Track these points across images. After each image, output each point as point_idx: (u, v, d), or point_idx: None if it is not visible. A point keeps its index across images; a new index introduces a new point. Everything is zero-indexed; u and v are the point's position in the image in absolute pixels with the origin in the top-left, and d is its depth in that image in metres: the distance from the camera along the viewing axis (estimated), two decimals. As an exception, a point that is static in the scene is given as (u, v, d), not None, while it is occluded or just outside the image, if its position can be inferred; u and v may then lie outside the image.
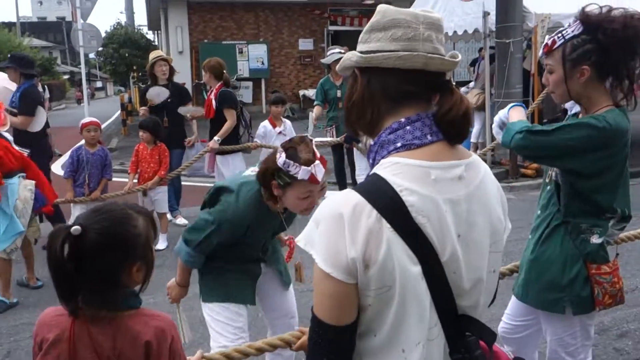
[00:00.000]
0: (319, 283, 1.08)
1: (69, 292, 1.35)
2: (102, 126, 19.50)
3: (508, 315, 2.41)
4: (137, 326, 1.39)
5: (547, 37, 2.06)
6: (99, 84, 50.48)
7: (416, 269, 1.06)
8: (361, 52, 1.17)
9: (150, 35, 24.72)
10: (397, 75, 1.14)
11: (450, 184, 1.11)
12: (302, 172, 2.07)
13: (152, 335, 1.39)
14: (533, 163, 7.53)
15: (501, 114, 2.23)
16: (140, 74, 16.88)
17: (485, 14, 7.60)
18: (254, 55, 16.40)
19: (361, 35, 1.20)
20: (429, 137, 1.13)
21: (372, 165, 1.17)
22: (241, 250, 2.44)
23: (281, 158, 2.11)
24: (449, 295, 1.11)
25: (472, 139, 8.79)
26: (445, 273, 1.09)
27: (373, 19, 1.18)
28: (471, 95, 8.65)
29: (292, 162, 2.08)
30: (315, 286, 1.10)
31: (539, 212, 2.20)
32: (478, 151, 8.68)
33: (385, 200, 1.05)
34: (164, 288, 2.61)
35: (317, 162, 2.09)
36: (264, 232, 2.45)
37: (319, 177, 2.09)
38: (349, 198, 1.07)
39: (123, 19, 24.07)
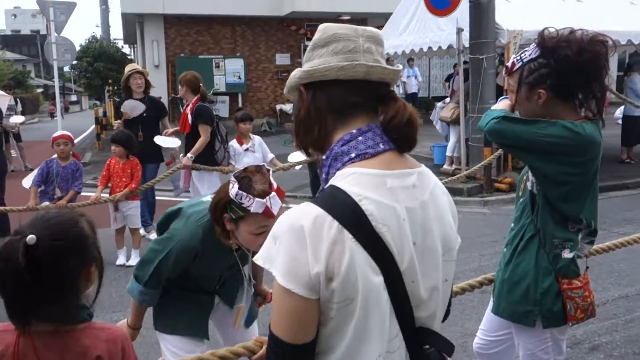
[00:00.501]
0: (279, 300, 1.06)
1: (23, 307, 1.31)
2: (76, 140, 19.22)
3: (482, 331, 2.40)
4: (87, 340, 1.35)
5: (512, 56, 2.09)
6: (73, 98, 49.91)
7: (378, 279, 1.06)
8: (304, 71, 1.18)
9: (126, 49, 24.56)
10: (341, 87, 1.15)
11: (406, 192, 1.12)
12: (255, 205, 1.90)
13: (103, 349, 1.35)
14: (507, 178, 7.62)
15: (494, 107, 2.25)
16: (115, 87, 16.72)
17: (459, 31, 7.71)
18: (230, 70, 16.39)
19: (305, 55, 1.22)
20: (381, 145, 1.14)
21: (326, 180, 1.16)
22: (193, 282, 2.30)
23: (233, 189, 1.94)
24: (408, 305, 1.11)
25: (448, 153, 8.88)
26: (404, 282, 1.09)
27: (315, 37, 1.20)
28: (447, 109, 8.76)
29: (245, 193, 1.91)
30: (274, 303, 1.08)
31: (512, 224, 2.21)
32: (453, 165, 8.78)
33: (346, 211, 1.05)
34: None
35: (273, 193, 1.93)
36: (217, 266, 2.27)
37: (275, 210, 1.92)
38: (309, 210, 1.06)
39: (98, 33, 23.85)
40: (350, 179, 1.09)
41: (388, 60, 8.08)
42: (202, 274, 2.27)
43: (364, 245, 1.04)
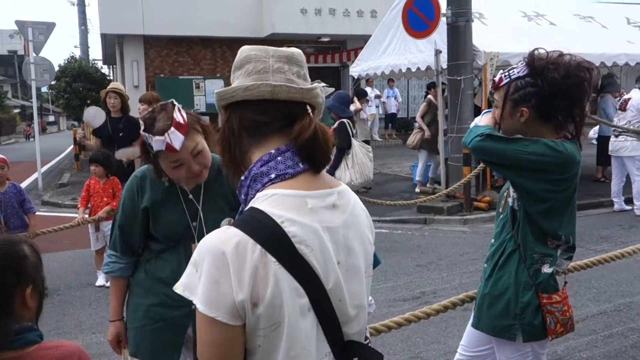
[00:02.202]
0: (204, 331, 1.03)
1: None
2: (54, 161, 19.03)
3: (463, 347, 2.41)
4: None
5: (499, 72, 2.14)
6: (51, 118, 49.35)
7: (304, 301, 1.05)
8: None
9: (105, 70, 24.44)
10: (250, 107, 1.16)
11: (327, 212, 1.12)
12: (155, 144, 1.92)
13: None
14: (486, 196, 7.71)
15: (477, 120, 2.28)
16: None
17: (437, 52, 7.84)
18: (210, 90, 16.37)
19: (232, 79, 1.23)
20: (300, 165, 1.14)
21: (245, 201, 1.15)
22: (158, 268, 2.12)
23: (142, 131, 1.99)
24: (336, 324, 1.11)
25: (417, 177, 8.96)
26: (331, 302, 1.09)
27: (235, 60, 1.22)
28: (411, 136, 8.97)
29: (147, 134, 1.95)
30: (198, 335, 1.05)
31: (493, 240, 2.24)
32: (428, 185, 8.88)
33: (268, 234, 1.03)
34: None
35: (172, 129, 1.91)
36: (172, 218, 2.10)
37: (177, 144, 1.91)
38: (230, 235, 1.03)
39: (77, 53, 23.75)
40: (271, 201, 1.08)
41: (368, 82, 8.18)
42: (161, 236, 2.13)
43: (287, 268, 1.02)
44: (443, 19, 7.73)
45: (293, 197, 1.09)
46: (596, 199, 8.14)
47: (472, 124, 2.33)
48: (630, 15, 10.41)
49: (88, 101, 17.18)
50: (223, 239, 1.03)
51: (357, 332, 1.17)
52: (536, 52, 1.97)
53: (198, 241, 1.96)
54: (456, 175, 7.87)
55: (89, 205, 5.26)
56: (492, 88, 2.10)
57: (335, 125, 5.93)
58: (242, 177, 1.17)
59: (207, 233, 1.98)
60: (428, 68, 8.69)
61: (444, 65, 8.04)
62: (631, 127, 7.47)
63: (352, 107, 9.46)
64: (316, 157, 1.15)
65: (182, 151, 1.94)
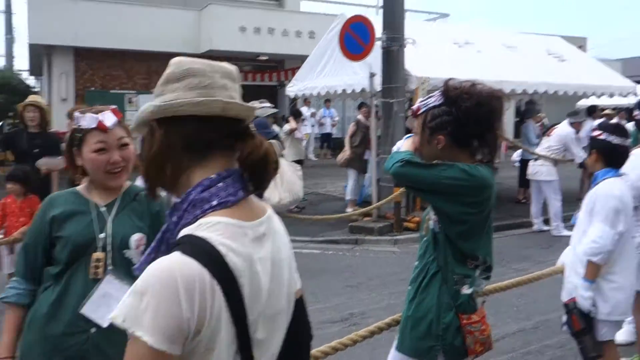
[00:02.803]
0: None
1: None
2: (-30, 175, 17.51)
3: (387, 370, 2.45)
4: None
5: (419, 100, 2.23)
6: (-30, 130, 46.63)
7: (233, 330, 1.04)
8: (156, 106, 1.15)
9: (31, 81, 23.44)
10: (196, 123, 1.11)
11: (260, 242, 1.12)
12: (88, 119, 1.97)
13: None
14: (415, 217, 7.90)
15: (399, 143, 2.36)
16: (16, 120, 15.84)
17: (372, 75, 8.03)
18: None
19: (155, 89, 1.18)
20: (240, 192, 1.12)
21: (177, 224, 1.12)
22: (56, 293, 1.94)
23: (75, 114, 2.05)
24: (251, 352, 1.09)
25: (347, 196, 9.09)
26: (251, 331, 1.08)
27: (167, 71, 1.17)
28: (341, 153, 9.12)
29: (80, 115, 2.00)
30: None
31: (417, 262, 2.30)
32: (355, 207, 9.01)
33: (216, 263, 1.01)
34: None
35: (107, 110, 2.01)
36: (78, 228, 1.97)
37: (108, 123, 1.97)
38: (180, 262, 0.99)
39: (1, 63, 22.69)
40: (216, 229, 1.05)
41: (305, 101, 8.25)
42: (66, 244, 1.97)
43: (228, 297, 1.01)
44: (378, 43, 7.95)
45: (236, 227, 1.07)
46: (518, 220, 8.52)
47: (394, 148, 2.41)
48: (550, 47, 11.06)
49: (10, 114, 16.39)
50: (173, 266, 0.98)
51: (270, 357, 1.17)
52: (450, 82, 2.08)
53: (104, 254, 1.94)
54: (387, 196, 8.03)
55: (4, 226, 4.95)
56: (412, 116, 2.18)
57: None
58: (178, 200, 1.13)
59: (114, 247, 1.97)
60: (363, 90, 8.87)
61: (378, 88, 8.24)
62: (548, 154, 7.91)
63: (287, 127, 9.55)
64: (262, 177, 1.15)
65: (110, 134, 1.96)
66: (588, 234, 3.01)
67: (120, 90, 15.91)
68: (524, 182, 9.75)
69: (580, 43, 26.45)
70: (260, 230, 1.13)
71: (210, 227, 1.05)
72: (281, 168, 5.90)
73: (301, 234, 7.53)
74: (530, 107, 10.35)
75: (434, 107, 2.07)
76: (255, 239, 1.11)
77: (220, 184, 1.11)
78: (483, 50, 9.76)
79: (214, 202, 1.09)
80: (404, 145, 2.27)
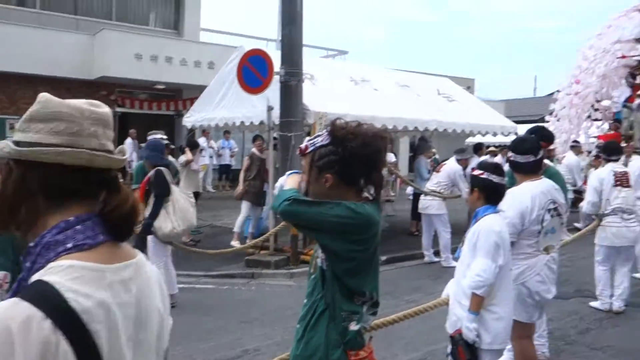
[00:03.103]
0: None
1: None
2: None
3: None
4: None
5: (305, 139, 2.24)
6: None
7: None
8: (17, 142, 1.08)
9: None
10: (58, 171, 1.06)
11: (122, 286, 1.07)
12: None
13: None
14: (312, 250, 7.93)
15: (281, 180, 2.35)
16: None
17: (270, 109, 8.07)
18: (29, 132, 15.04)
19: (19, 124, 1.12)
20: (101, 236, 1.08)
21: (30, 269, 1.05)
22: None
23: None
24: None
25: (235, 229, 8.99)
26: None
27: (33, 108, 1.11)
28: (238, 186, 9.09)
29: None
30: None
31: (305, 300, 2.28)
32: (247, 240, 8.93)
33: (59, 309, 0.94)
34: None
35: None
36: None
37: None
38: (17, 308, 0.93)
39: None
40: (67, 273, 0.99)
41: (204, 132, 8.07)
42: None
43: (75, 346, 0.94)
44: (276, 77, 8.02)
45: (91, 270, 1.01)
46: (410, 252, 8.80)
47: (277, 185, 2.41)
48: (440, 87, 11.75)
49: None
50: (9, 314, 0.91)
51: None
52: (337, 122, 2.12)
53: None
54: (284, 229, 8.02)
55: None
56: (300, 154, 2.19)
57: (152, 173, 5.74)
58: (31, 244, 1.05)
59: None
60: (261, 123, 8.89)
61: (277, 121, 8.29)
62: (437, 189, 8.31)
63: (182, 158, 9.32)
64: (127, 229, 1.09)
65: None
66: (472, 267, 3.15)
67: (1, 115, 14.83)
68: (417, 215, 10.14)
69: (468, 84, 28.41)
70: (124, 274, 1.07)
71: (62, 271, 0.99)
72: (173, 196, 5.73)
73: (195, 268, 7.31)
74: (422, 144, 10.85)
75: (322, 146, 2.10)
76: (117, 283, 1.05)
77: (79, 227, 1.05)
78: (379, 88, 10.16)
79: (69, 245, 1.03)
80: (287, 182, 2.28)
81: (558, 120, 14.73)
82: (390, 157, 17.04)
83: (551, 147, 12.41)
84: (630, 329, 5.63)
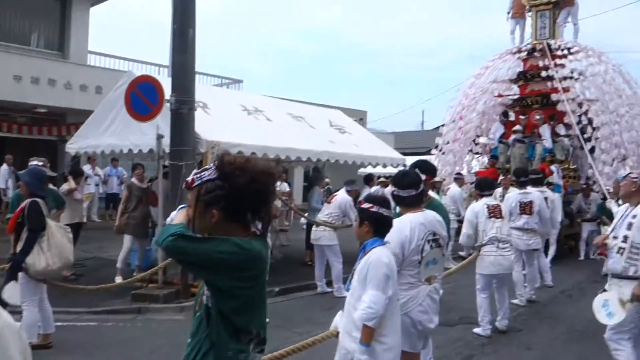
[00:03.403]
0: None
1: None
2: None
3: None
4: None
5: (192, 173, 2.17)
6: None
7: None
8: None
9: None
10: None
11: None
12: None
13: None
14: (204, 282, 7.70)
15: (173, 214, 2.24)
16: None
17: (159, 137, 7.81)
18: None
19: None
20: None
21: None
22: None
23: None
24: None
25: (118, 264, 8.60)
26: None
27: None
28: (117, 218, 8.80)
29: None
30: None
31: (189, 339, 2.18)
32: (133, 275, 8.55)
33: None
34: None
35: None
36: None
37: None
38: None
39: None
40: None
41: (89, 159, 7.64)
42: None
43: None
44: (167, 105, 7.80)
45: None
46: (303, 282, 8.80)
47: (168, 220, 2.31)
48: (332, 118, 12.05)
49: None
50: None
51: None
52: (225, 157, 2.08)
53: None
54: (174, 261, 7.73)
55: None
56: (186, 188, 2.12)
57: (26, 203, 5.23)
58: None
59: None
60: (151, 151, 8.58)
61: (167, 150, 8.04)
62: (329, 220, 8.43)
63: (65, 186, 8.75)
64: None
65: None
66: (363, 299, 3.19)
67: None
68: (310, 245, 10.20)
69: (361, 116, 29.43)
70: None
71: None
72: (49, 230, 5.31)
73: (76, 304, 6.81)
74: (315, 175, 11.01)
75: (208, 180, 2.04)
76: None
77: None
78: (272, 118, 10.21)
79: None
80: (177, 217, 2.20)
81: (443, 154, 15.61)
82: (284, 187, 17.16)
83: (437, 179, 13.15)
84: (509, 352, 5.97)
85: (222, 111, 9.34)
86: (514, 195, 8.26)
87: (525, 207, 7.99)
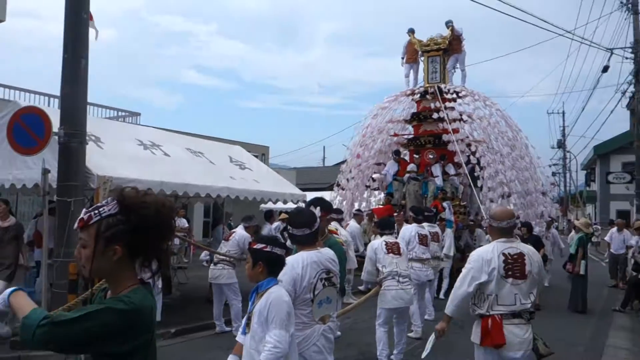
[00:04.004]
0: None
1: None
2: None
3: None
4: None
5: (83, 210, 2.03)
6: None
7: None
8: None
9: None
10: None
11: None
12: None
13: None
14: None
15: (2, 297, 1.97)
16: None
17: (46, 171, 7.34)
18: None
19: None
20: None
21: None
22: None
23: None
24: None
25: None
26: None
27: None
28: None
29: None
30: None
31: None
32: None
33: None
34: None
35: None
36: None
37: None
38: None
39: None
40: None
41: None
42: None
43: None
44: (55, 137, 7.38)
45: None
46: (201, 322, 8.53)
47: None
48: (232, 154, 11.98)
49: None
50: None
51: None
52: (126, 190, 1.99)
53: None
54: (61, 303, 7.20)
55: None
56: (79, 227, 1.96)
57: None
58: None
59: None
60: (36, 186, 8.04)
61: (54, 185, 7.57)
62: (229, 255, 8.26)
63: None
64: None
65: None
66: (268, 340, 3.13)
67: None
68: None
69: (263, 151, 29.54)
70: None
71: None
72: None
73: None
74: (219, 214, 10.83)
75: (109, 216, 1.92)
76: None
77: None
78: (170, 153, 9.97)
79: None
80: (20, 303, 1.92)
81: (343, 190, 15.97)
82: (183, 222, 16.72)
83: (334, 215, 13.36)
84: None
85: (116, 145, 8.98)
86: (412, 227, 8.64)
87: (423, 239, 8.43)
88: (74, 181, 7.42)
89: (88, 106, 8.15)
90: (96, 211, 1.97)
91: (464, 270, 4.31)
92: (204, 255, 16.89)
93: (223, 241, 8.74)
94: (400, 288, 6.52)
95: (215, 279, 8.24)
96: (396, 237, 7.54)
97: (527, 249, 4.29)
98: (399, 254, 6.70)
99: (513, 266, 4.13)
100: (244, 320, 3.40)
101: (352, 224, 11.77)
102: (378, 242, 6.78)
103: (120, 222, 1.93)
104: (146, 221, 1.94)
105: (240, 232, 8.57)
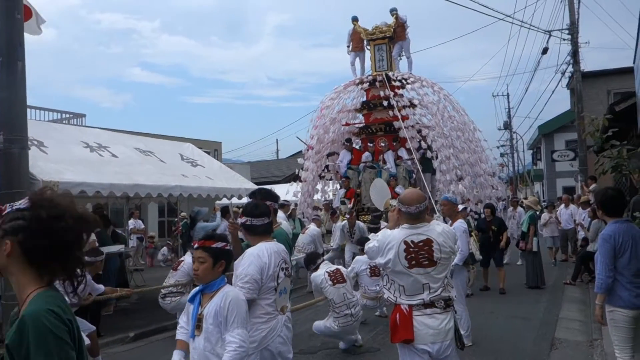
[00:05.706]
0: None
1: None
2: None
3: None
4: None
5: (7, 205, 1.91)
6: None
7: None
8: None
9: None
10: None
11: None
12: None
13: None
14: None
15: None
16: None
17: (-13, 180, 7.05)
18: None
19: None
20: None
21: None
22: None
23: None
24: None
25: None
26: None
27: None
28: None
29: None
30: None
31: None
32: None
33: None
34: None
35: None
36: None
37: None
38: None
39: None
40: None
41: None
42: None
43: None
44: (-5, 144, 7.08)
45: None
46: (160, 324, 8.35)
47: None
48: (183, 152, 11.78)
49: None
50: None
51: None
52: (45, 189, 1.87)
53: None
54: (7, 316, 6.96)
55: None
56: None
57: None
58: None
59: None
60: (-24, 195, 7.71)
61: (-3, 194, 7.27)
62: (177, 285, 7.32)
63: None
64: None
65: None
66: (231, 340, 3.06)
67: None
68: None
69: (216, 147, 29.18)
70: None
71: None
72: None
73: None
74: (195, 214, 10.81)
75: (18, 210, 1.78)
76: None
77: None
78: (118, 154, 9.73)
79: None
80: None
81: (299, 182, 15.99)
82: (139, 224, 16.38)
83: (293, 207, 13.42)
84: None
85: (60, 149, 8.70)
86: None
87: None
88: (17, 188, 7.13)
89: (28, 110, 7.85)
90: (13, 204, 1.84)
91: (375, 242, 3.88)
92: (161, 256, 16.62)
93: (171, 271, 7.66)
94: (354, 320, 6.49)
95: (170, 311, 7.56)
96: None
97: (436, 233, 3.76)
98: (343, 281, 6.60)
99: (417, 254, 3.68)
100: (191, 323, 3.25)
101: (312, 227, 11.60)
102: (320, 274, 6.61)
103: (22, 217, 1.77)
104: (44, 222, 1.75)
105: (188, 260, 7.25)
